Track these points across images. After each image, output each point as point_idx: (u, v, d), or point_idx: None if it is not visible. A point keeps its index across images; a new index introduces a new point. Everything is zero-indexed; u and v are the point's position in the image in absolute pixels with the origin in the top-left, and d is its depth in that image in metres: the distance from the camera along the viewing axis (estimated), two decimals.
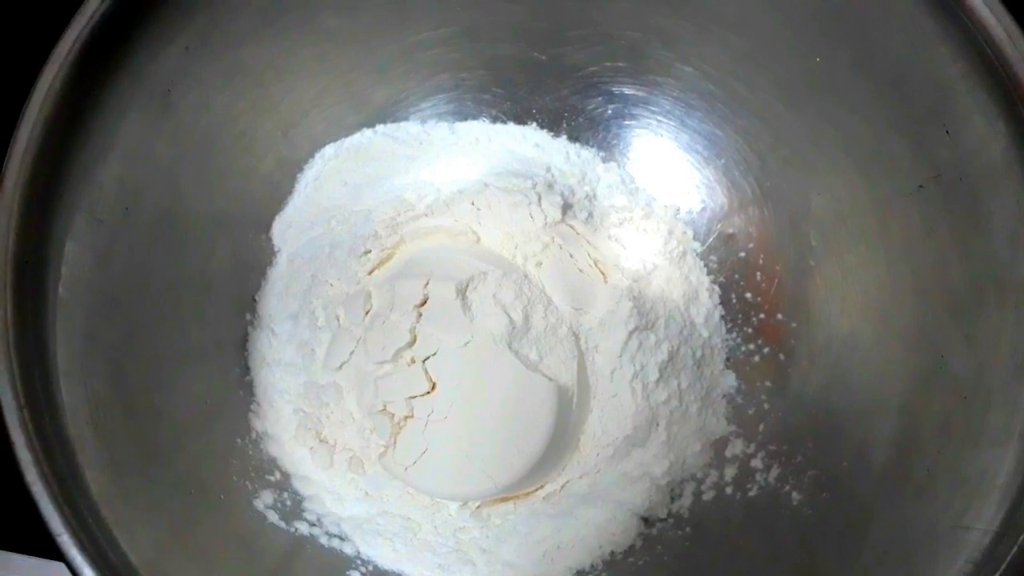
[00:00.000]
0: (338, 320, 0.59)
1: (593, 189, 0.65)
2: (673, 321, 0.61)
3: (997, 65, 0.45)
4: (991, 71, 0.46)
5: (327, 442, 0.59)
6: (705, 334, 0.62)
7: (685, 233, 0.65)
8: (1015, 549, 0.40)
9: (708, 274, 0.65)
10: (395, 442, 0.56)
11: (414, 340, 0.56)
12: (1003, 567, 0.39)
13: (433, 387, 0.56)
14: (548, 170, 0.64)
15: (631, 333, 0.58)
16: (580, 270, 0.61)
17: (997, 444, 0.43)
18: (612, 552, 0.57)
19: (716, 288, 0.64)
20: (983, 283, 0.48)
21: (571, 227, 0.62)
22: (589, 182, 0.65)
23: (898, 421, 0.51)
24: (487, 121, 0.65)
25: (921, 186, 0.52)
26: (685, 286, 0.63)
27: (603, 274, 0.62)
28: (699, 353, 0.61)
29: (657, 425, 0.58)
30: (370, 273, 0.61)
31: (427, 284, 0.57)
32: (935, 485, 0.46)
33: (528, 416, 0.55)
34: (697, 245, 0.65)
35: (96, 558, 0.41)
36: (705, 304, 0.63)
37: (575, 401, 0.57)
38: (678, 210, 0.65)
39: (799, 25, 0.56)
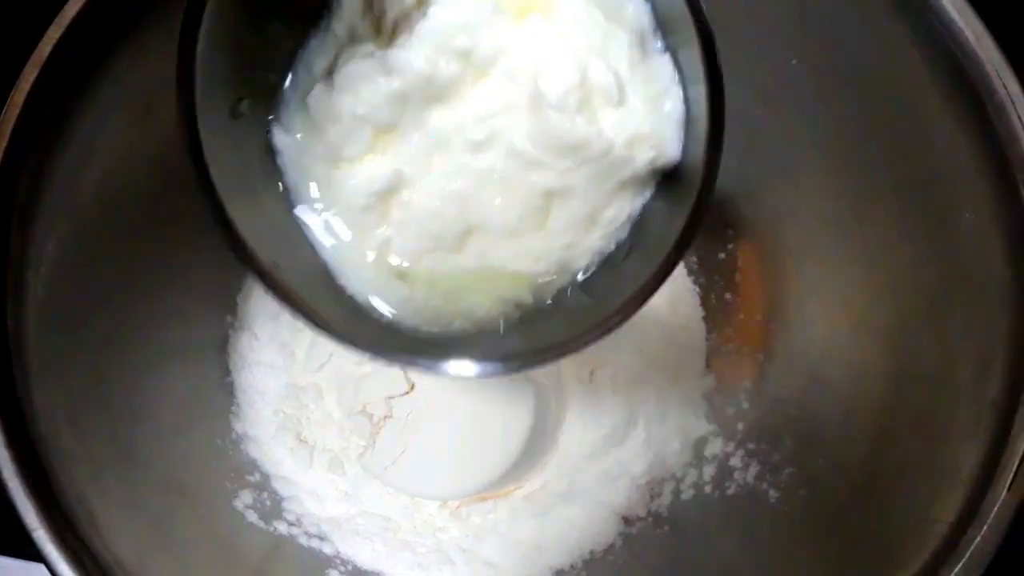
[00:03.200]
0: None
1: None
2: (652, 322, 0.61)
3: (965, 65, 0.46)
4: (960, 71, 0.46)
5: (307, 443, 0.59)
6: (685, 335, 0.63)
7: None
8: (978, 540, 0.40)
9: (689, 275, 0.65)
10: (374, 442, 0.56)
11: None
12: (966, 557, 0.40)
13: (412, 388, 0.56)
14: None
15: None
16: None
17: (964, 439, 0.44)
18: (592, 551, 0.58)
19: (696, 289, 0.65)
20: (954, 281, 0.48)
21: None
22: None
23: (873, 419, 0.51)
24: None
25: (896, 187, 0.52)
26: (666, 287, 0.64)
27: None
28: (679, 354, 0.62)
29: (636, 424, 0.59)
30: None
31: None
32: (906, 480, 0.47)
33: (506, 415, 0.55)
34: None
35: (72, 554, 0.41)
36: (685, 305, 0.64)
37: (554, 400, 0.58)
38: None
39: (776, 29, 0.56)
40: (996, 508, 0.41)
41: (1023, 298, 0.44)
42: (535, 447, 0.57)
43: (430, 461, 0.56)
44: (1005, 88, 0.45)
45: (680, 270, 0.65)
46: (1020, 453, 0.41)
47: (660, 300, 0.64)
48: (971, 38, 0.46)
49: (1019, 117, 0.45)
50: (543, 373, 0.57)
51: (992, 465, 0.42)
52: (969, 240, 0.48)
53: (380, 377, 0.56)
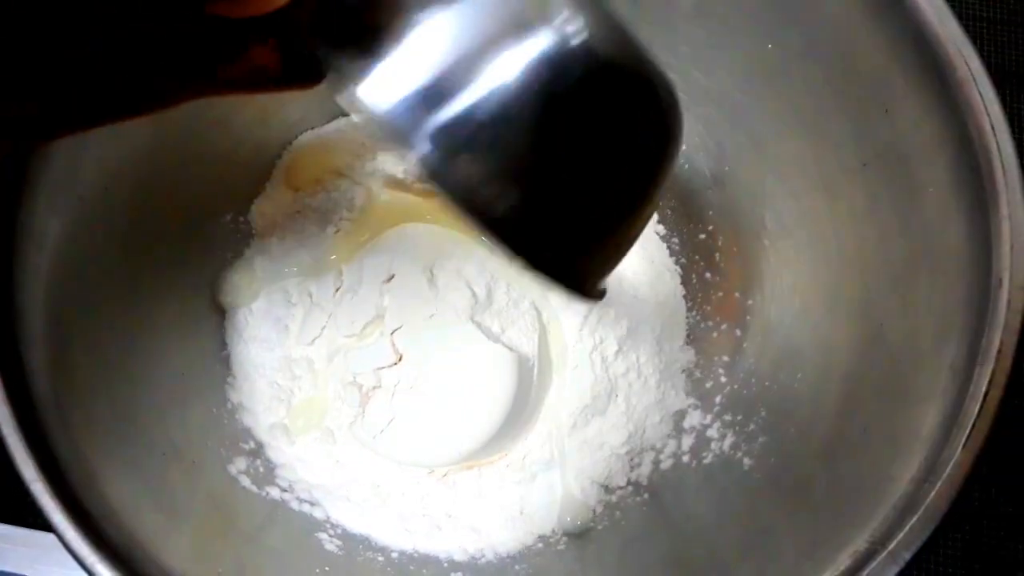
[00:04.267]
0: (310, 296, 0.61)
1: None
2: (634, 299, 0.63)
3: (928, 45, 0.48)
4: (923, 50, 0.48)
5: None
6: (666, 312, 0.65)
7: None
8: (933, 494, 0.42)
9: (671, 255, 0.67)
10: (364, 412, 0.58)
11: (382, 314, 0.59)
12: (922, 510, 0.42)
13: (400, 359, 0.58)
14: None
15: (591, 308, 0.60)
16: None
17: (923, 401, 0.45)
18: (572, 517, 0.59)
19: (678, 269, 0.67)
20: (919, 253, 0.50)
21: None
22: None
23: (841, 388, 0.53)
24: None
25: (865, 164, 0.54)
26: (648, 266, 0.66)
27: None
28: (659, 329, 0.63)
29: (616, 396, 0.61)
30: (341, 251, 0.63)
31: (394, 260, 0.59)
32: (869, 442, 0.48)
33: (490, 385, 0.57)
34: (660, 228, 0.68)
35: (68, 506, 0.42)
36: (667, 284, 0.66)
37: (536, 371, 0.59)
38: None
39: (752, 13, 0.58)
40: (951, 465, 0.42)
41: (981, 269, 0.45)
42: (518, 417, 0.59)
43: (417, 430, 0.58)
44: (967, 65, 0.47)
45: (662, 251, 0.67)
46: (975, 413, 0.43)
47: (643, 279, 0.66)
48: (933, 18, 0.47)
49: (980, 93, 0.46)
50: (526, 346, 0.59)
51: (949, 425, 0.43)
52: (932, 214, 0.49)
53: (370, 349, 0.58)
